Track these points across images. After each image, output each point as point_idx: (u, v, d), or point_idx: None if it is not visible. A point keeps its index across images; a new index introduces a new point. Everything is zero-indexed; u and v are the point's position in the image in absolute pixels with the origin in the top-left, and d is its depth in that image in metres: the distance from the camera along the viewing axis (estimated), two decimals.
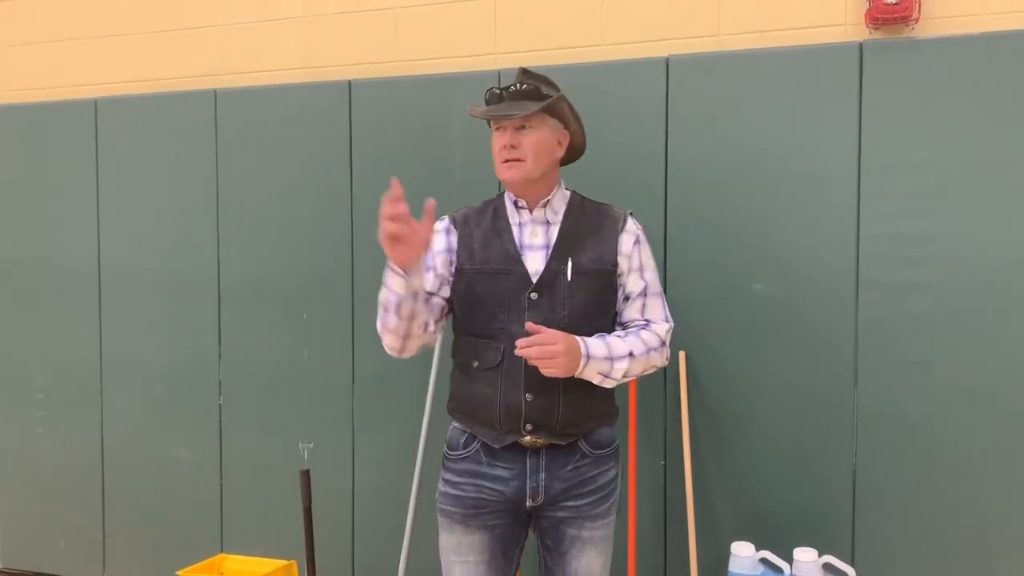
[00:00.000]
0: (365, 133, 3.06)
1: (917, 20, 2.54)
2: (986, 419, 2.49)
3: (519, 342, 1.87)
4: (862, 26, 2.60)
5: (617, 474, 2.12)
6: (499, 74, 2.89)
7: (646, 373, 2.05)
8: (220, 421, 3.28)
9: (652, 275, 2.08)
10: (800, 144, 2.62)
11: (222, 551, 3.24)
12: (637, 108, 2.76)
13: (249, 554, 3.10)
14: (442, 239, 2.10)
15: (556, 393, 1.97)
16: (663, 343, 2.05)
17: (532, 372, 1.91)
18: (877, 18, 2.54)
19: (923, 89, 2.51)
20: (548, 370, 1.87)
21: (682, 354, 2.70)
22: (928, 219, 2.52)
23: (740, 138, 2.67)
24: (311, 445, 3.15)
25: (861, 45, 2.55)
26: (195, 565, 3.01)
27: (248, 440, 3.26)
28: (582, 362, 1.90)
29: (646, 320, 2.06)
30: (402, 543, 2.76)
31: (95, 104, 3.43)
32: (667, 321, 2.08)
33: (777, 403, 2.66)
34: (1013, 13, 2.50)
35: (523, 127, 2.00)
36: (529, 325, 1.89)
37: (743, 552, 2.41)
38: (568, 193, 2.12)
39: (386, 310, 1.89)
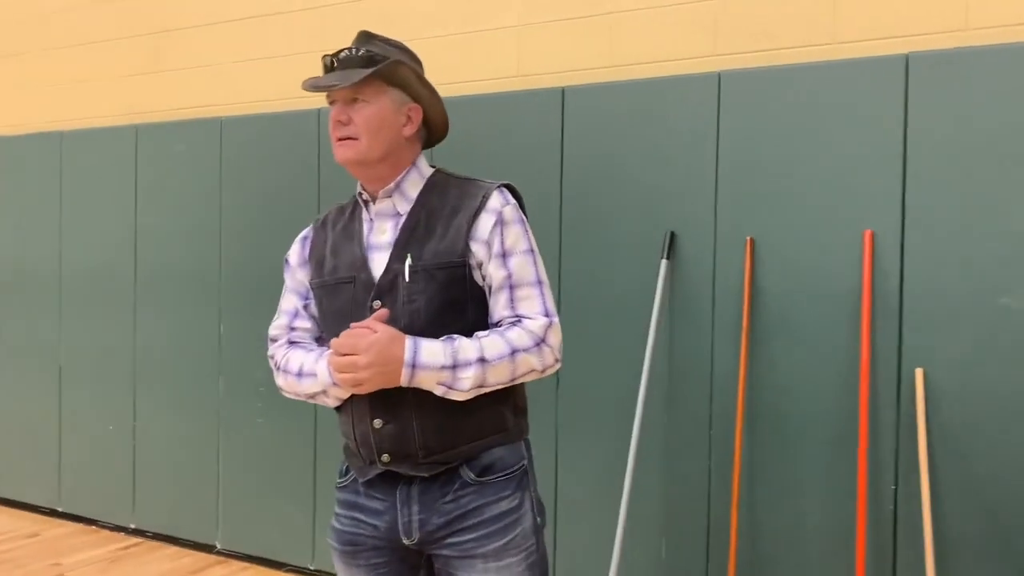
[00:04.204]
0: (576, 139, 3.06)
1: None
2: None
3: (329, 353, 1.61)
4: None
5: (521, 504, 1.70)
6: (719, 76, 2.82)
7: (520, 380, 1.65)
8: None
9: (520, 260, 1.66)
10: None
11: None
12: (871, 109, 2.61)
13: None
14: (297, 251, 1.83)
15: (409, 417, 1.63)
16: (540, 341, 1.63)
17: (381, 393, 1.60)
18: None
19: None
20: (352, 386, 1.58)
21: (919, 371, 2.52)
22: None
23: (989, 138, 2.46)
24: None
25: None
26: None
27: None
28: (405, 372, 1.56)
29: (517, 316, 1.65)
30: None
31: (319, 113, 3.62)
32: (545, 315, 1.65)
33: None
34: None
35: (356, 100, 1.66)
36: (354, 325, 1.59)
37: None
38: (428, 173, 1.76)
39: (304, 394, 1.73)
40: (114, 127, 4.20)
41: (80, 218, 4.27)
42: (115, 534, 4.14)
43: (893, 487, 2.58)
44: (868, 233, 2.59)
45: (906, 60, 2.57)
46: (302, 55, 3.81)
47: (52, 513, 4.39)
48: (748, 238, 2.75)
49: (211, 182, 3.86)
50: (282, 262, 1.85)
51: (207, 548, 3.89)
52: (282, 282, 1.82)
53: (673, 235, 2.87)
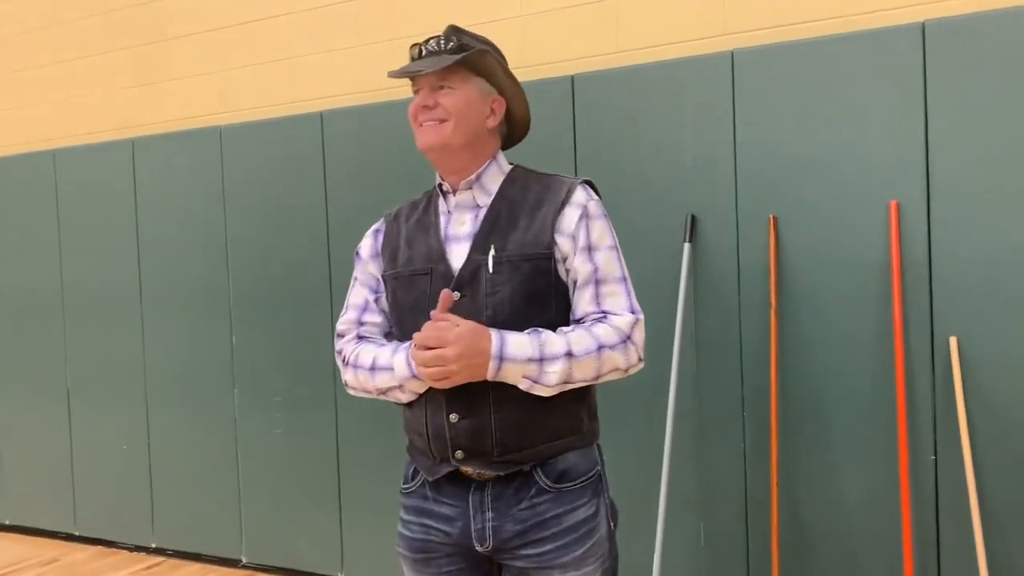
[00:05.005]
0: (588, 127, 3.03)
1: None
2: None
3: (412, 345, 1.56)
4: None
5: (596, 511, 1.68)
6: (732, 55, 2.79)
7: (604, 379, 1.63)
8: None
9: (607, 256, 1.65)
10: None
11: None
12: (890, 80, 2.59)
13: None
14: (370, 244, 1.82)
15: (487, 412, 1.59)
16: (626, 339, 1.61)
17: (459, 388, 1.56)
18: None
19: None
20: (439, 379, 1.54)
21: (953, 340, 2.51)
22: None
23: (1011, 102, 2.45)
24: None
25: None
26: None
27: None
28: (492, 365, 1.53)
29: (603, 312, 1.63)
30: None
31: (321, 116, 3.57)
32: (632, 312, 1.63)
33: None
34: None
35: (443, 87, 1.67)
36: (435, 314, 1.55)
37: None
38: (508, 169, 1.75)
39: (375, 389, 1.68)
40: (109, 142, 4.13)
41: (80, 236, 4.20)
42: (136, 555, 4.09)
43: (933, 457, 2.57)
44: (894, 204, 2.57)
45: (922, 28, 2.56)
46: (299, 58, 3.76)
47: (69, 537, 4.33)
48: (771, 216, 2.73)
49: (214, 192, 3.80)
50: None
51: (232, 563, 3.84)
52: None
53: (694, 218, 2.85)
